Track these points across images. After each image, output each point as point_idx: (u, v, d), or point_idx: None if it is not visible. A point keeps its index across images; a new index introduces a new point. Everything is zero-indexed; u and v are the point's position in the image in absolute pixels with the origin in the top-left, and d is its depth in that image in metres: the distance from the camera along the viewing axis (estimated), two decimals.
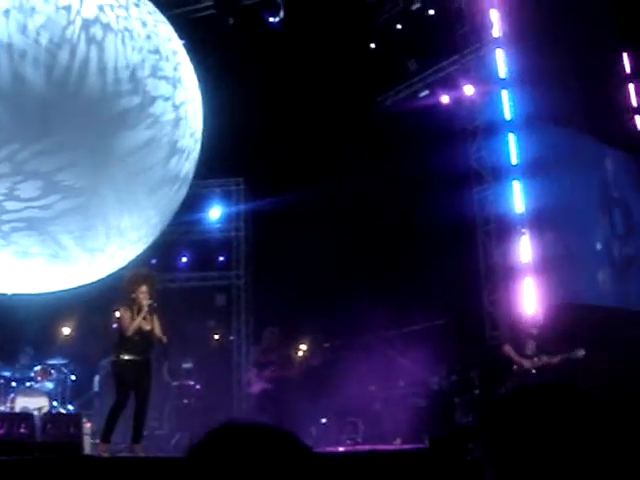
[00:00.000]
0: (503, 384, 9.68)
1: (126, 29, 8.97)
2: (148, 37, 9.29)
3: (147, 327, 8.37)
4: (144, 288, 8.42)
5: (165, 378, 12.34)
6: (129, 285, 8.55)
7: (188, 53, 10.68)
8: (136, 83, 8.89)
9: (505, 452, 1.66)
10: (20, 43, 8.12)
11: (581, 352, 9.49)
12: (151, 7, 10.07)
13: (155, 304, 8.48)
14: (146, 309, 8.33)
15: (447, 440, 8.92)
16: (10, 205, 8.58)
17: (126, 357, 8.26)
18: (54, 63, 8.24)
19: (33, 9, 8.27)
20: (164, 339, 8.57)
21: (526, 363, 9.56)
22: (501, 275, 12.77)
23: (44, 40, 8.19)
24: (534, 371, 9.55)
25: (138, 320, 8.27)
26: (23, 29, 8.16)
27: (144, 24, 9.39)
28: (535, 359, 9.59)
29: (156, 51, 9.36)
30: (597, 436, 1.63)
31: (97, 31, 8.64)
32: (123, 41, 8.83)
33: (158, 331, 8.46)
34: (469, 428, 9.95)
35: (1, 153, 8.22)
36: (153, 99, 9.10)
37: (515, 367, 9.61)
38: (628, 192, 14.49)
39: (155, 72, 9.18)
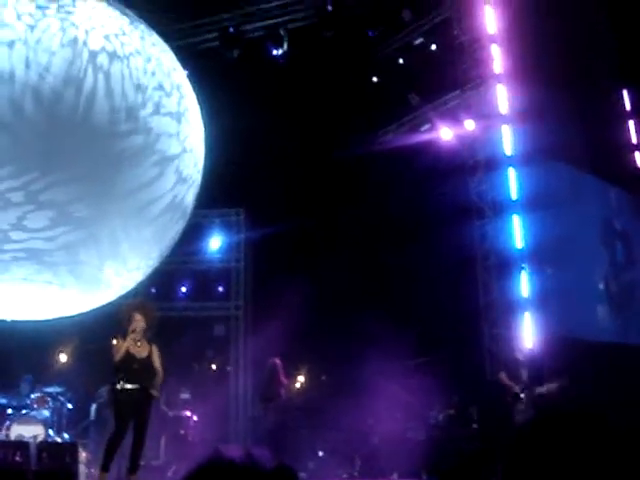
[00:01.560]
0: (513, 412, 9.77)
1: (131, 55, 9.00)
2: (153, 74, 9.31)
3: (144, 354, 8.32)
4: (138, 316, 8.41)
5: (162, 408, 12.27)
6: (124, 314, 8.55)
7: (191, 83, 10.74)
8: (140, 122, 8.91)
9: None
10: (23, 77, 8.13)
11: (565, 380, 9.68)
12: (155, 38, 10.14)
13: (149, 333, 8.46)
14: (137, 335, 8.26)
15: (456, 469, 8.86)
16: (15, 235, 8.57)
17: (125, 386, 8.18)
18: (58, 100, 8.24)
19: (39, 42, 8.28)
20: (160, 373, 8.50)
21: (517, 388, 9.80)
22: (501, 310, 12.74)
23: (50, 78, 8.20)
24: (526, 399, 9.71)
25: (126, 344, 8.17)
26: (27, 64, 8.16)
27: (148, 60, 9.43)
28: (527, 390, 9.74)
29: (160, 87, 9.38)
30: (624, 467, 1.61)
31: (103, 60, 8.67)
32: (130, 77, 8.85)
33: (157, 362, 8.43)
34: (475, 455, 9.97)
35: (18, 181, 8.19)
36: (158, 136, 9.13)
37: (520, 395, 9.74)
38: (629, 226, 14.54)
39: (159, 109, 9.21)
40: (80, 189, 8.58)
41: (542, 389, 9.69)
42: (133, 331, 8.28)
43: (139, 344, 8.33)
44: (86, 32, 8.67)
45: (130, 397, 8.15)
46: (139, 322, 8.35)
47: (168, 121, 9.33)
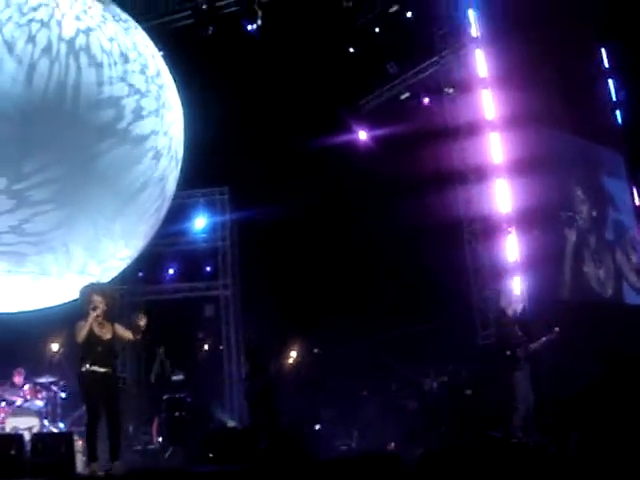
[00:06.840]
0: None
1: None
2: (123, 79, 9.14)
3: (107, 336, 7.99)
4: (97, 298, 8.13)
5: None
6: (83, 297, 8.29)
7: (167, 63, 10.61)
8: (123, 133, 8.86)
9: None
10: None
11: (556, 330, 9.61)
12: (129, 23, 9.99)
13: (110, 314, 8.22)
14: (97, 315, 7.84)
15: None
16: (8, 238, 8.45)
17: (90, 368, 7.82)
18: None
19: None
20: (134, 335, 8.20)
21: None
22: (489, 274, 12.76)
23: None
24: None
25: (88, 324, 7.81)
26: None
27: (125, 59, 9.30)
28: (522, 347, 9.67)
29: (137, 91, 9.27)
30: None
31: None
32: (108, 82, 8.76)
33: (123, 333, 8.12)
34: None
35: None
36: (146, 137, 9.09)
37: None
38: (613, 184, 14.61)
39: (139, 113, 9.12)
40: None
41: (535, 345, 9.64)
42: (94, 310, 7.86)
43: (102, 326, 8.02)
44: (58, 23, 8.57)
45: (97, 380, 7.82)
46: (98, 304, 8.00)
47: (152, 120, 9.31)
